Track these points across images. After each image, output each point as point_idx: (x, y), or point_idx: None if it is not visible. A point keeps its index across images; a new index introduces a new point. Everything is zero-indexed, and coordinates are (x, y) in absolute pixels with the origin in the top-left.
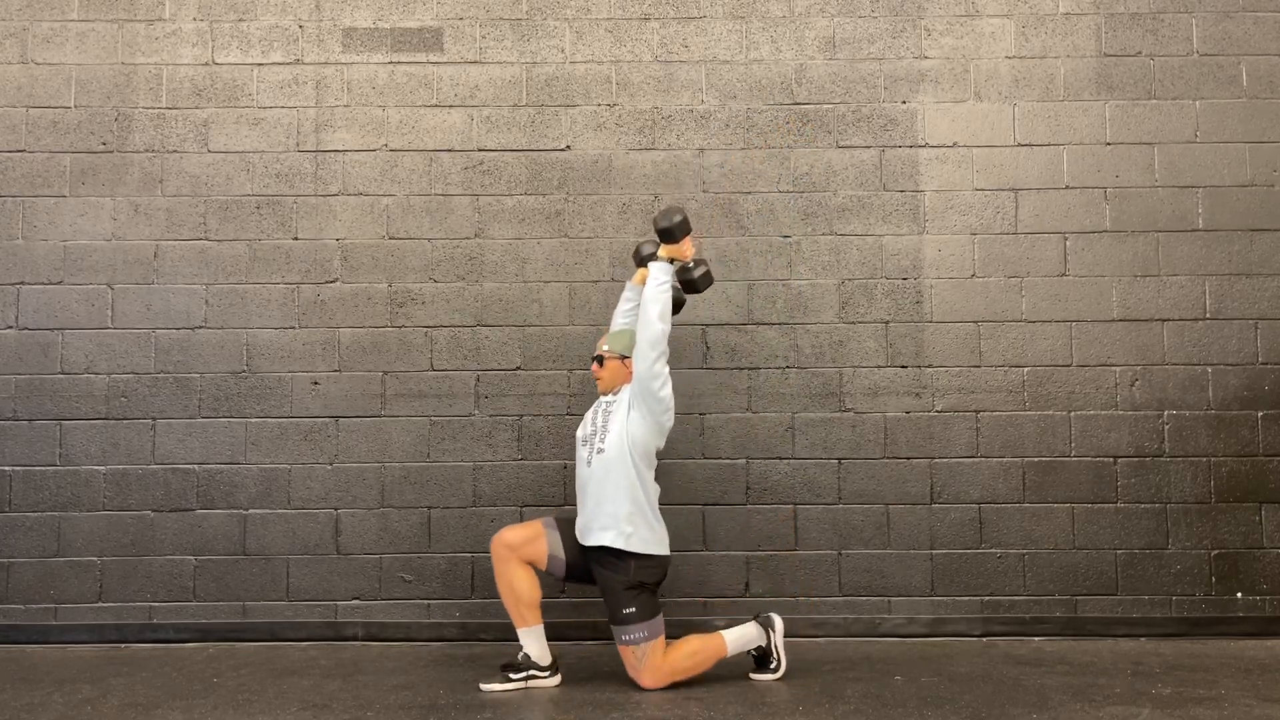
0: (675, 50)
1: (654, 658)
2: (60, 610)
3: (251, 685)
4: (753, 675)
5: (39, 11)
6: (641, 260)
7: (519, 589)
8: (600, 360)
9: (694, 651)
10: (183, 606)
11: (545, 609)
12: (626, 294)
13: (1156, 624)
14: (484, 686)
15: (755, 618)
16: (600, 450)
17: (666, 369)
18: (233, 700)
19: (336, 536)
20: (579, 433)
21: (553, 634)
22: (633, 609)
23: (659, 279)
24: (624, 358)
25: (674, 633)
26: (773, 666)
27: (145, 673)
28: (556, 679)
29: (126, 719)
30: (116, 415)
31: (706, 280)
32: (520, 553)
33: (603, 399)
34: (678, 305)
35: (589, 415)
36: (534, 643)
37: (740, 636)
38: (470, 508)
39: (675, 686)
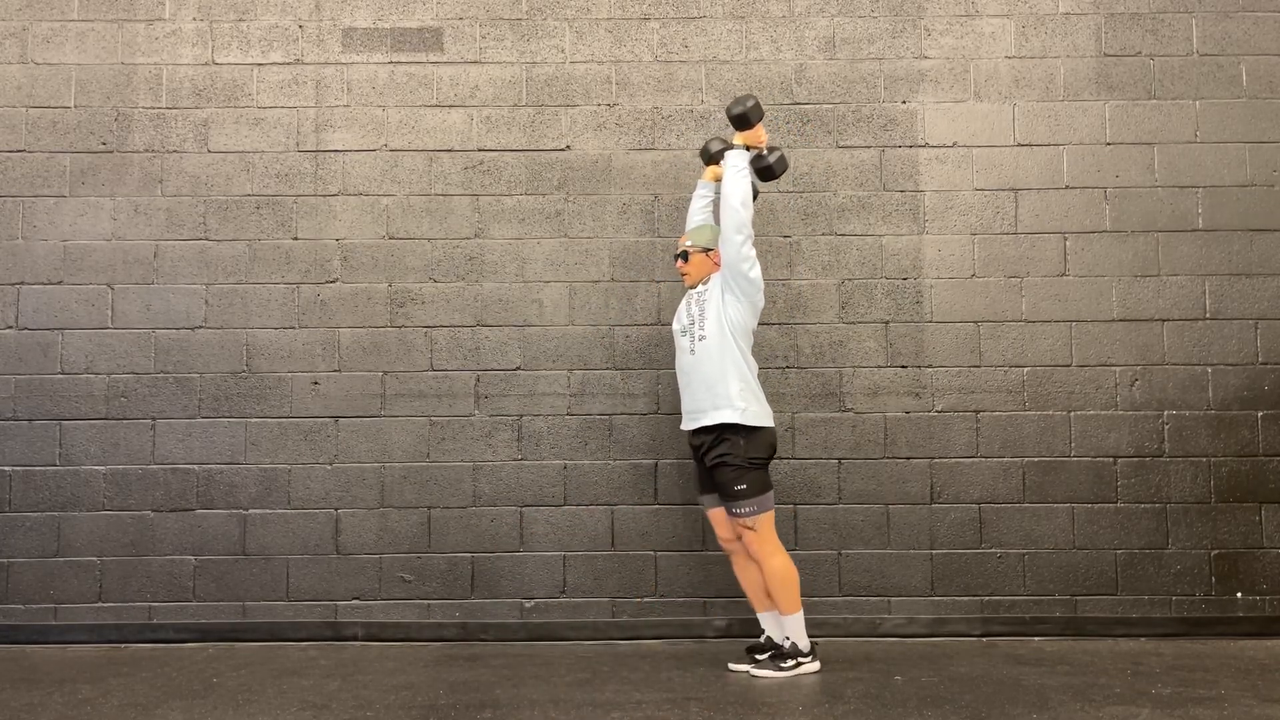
0: (675, 50)
1: (764, 529)
2: (60, 610)
3: (251, 685)
4: (745, 667)
5: (39, 11)
6: (710, 157)
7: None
8: (685, 255)
9: (788, 573)
10: (183, 606)
11: (543, 609)
12: (700, 191)
13: (1156, 624)
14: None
15: (815, 645)
16: (702, 337)
17: (754, 251)
18: (233, 700)
19: (336, 536)
20: (675, 325)
21: (550, 634)
22: (744, 485)
23: (737, 165)
24: (706, 250)
25: (671, 632)
26: (760, 660)
27: (145, 673)
28: (816, 664)
29: (126, 719)
30: (116, 415)
31: (782, 165)
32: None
33: (692, 291)
34: (754, 193)
35: (682, 307)
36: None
37: (801, 626)
38: (470, 508)
39: (673, 677)
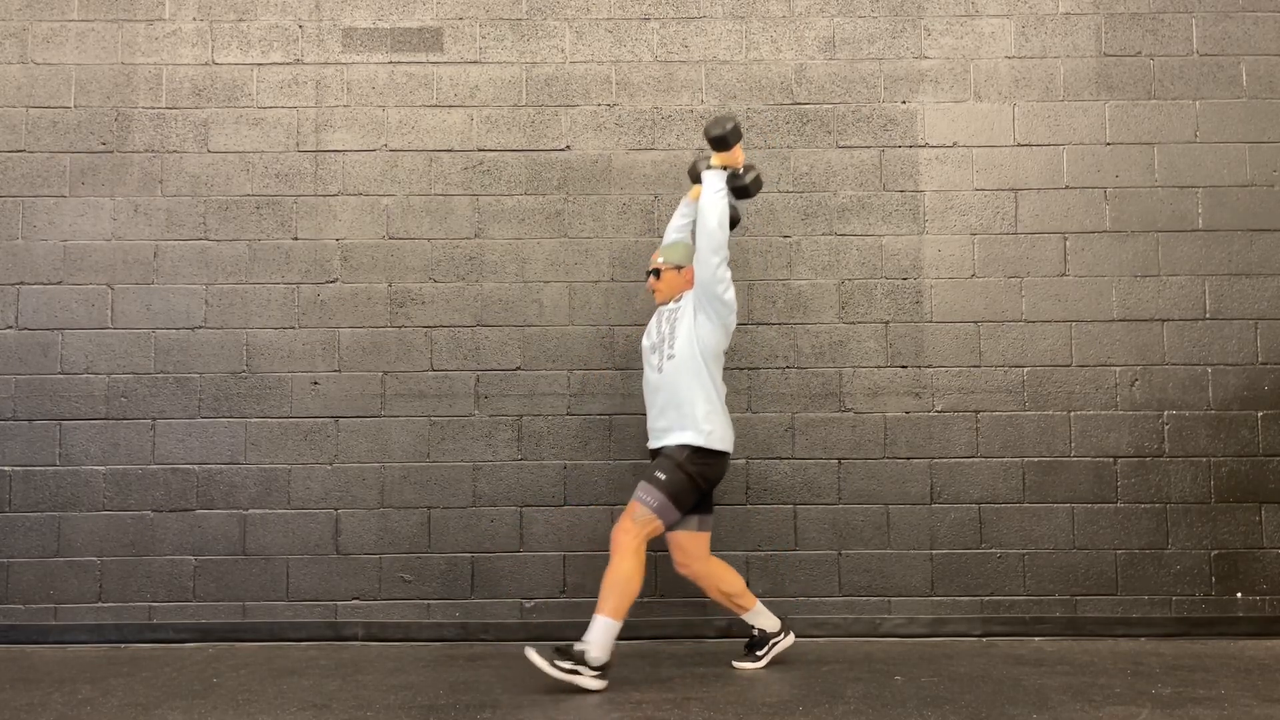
0: (675, 50)
1: (641, 528)
2: (60, 610)
3: (251, 685)
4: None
5: (39, 11)
6: (697, 177)
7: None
8: (657, 273)
9: (629, 584)
10: (183, 606)
11: (543, 609)
12: (681, 209)
13: (1156, 624)
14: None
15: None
16: (671, 356)
17: (729, 273)
18: (233, 700)
19: (336, 536)
20: (644, 342)
21: (550, 634)
22: (663, 476)
23: (714, 186)
24: (679, 268)
25: (671, 632)
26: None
27: (145, 673)
28: (791, 637)
29: (126, 719)
30: (116, 415)
31: (757, 185)
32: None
33: (664, 308)
34: (734, 220)
35: (652, 324)
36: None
37: (609, 636)
38: (470, 508)
39: (673, 677)
